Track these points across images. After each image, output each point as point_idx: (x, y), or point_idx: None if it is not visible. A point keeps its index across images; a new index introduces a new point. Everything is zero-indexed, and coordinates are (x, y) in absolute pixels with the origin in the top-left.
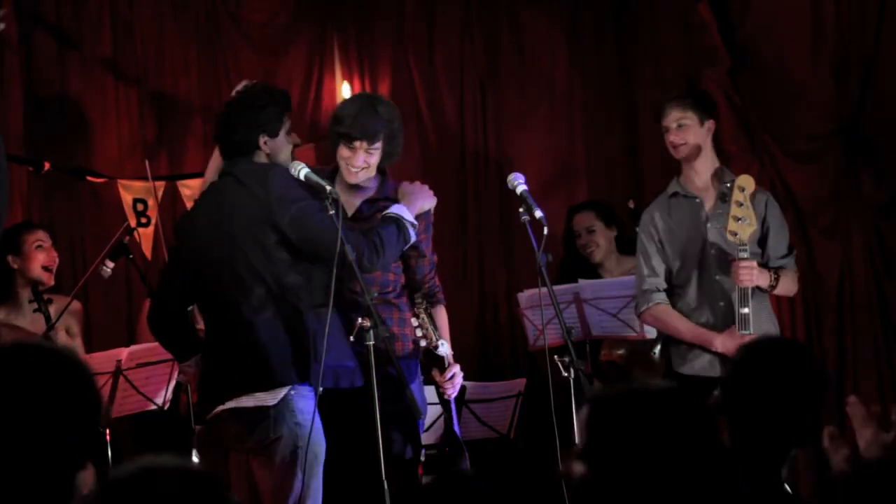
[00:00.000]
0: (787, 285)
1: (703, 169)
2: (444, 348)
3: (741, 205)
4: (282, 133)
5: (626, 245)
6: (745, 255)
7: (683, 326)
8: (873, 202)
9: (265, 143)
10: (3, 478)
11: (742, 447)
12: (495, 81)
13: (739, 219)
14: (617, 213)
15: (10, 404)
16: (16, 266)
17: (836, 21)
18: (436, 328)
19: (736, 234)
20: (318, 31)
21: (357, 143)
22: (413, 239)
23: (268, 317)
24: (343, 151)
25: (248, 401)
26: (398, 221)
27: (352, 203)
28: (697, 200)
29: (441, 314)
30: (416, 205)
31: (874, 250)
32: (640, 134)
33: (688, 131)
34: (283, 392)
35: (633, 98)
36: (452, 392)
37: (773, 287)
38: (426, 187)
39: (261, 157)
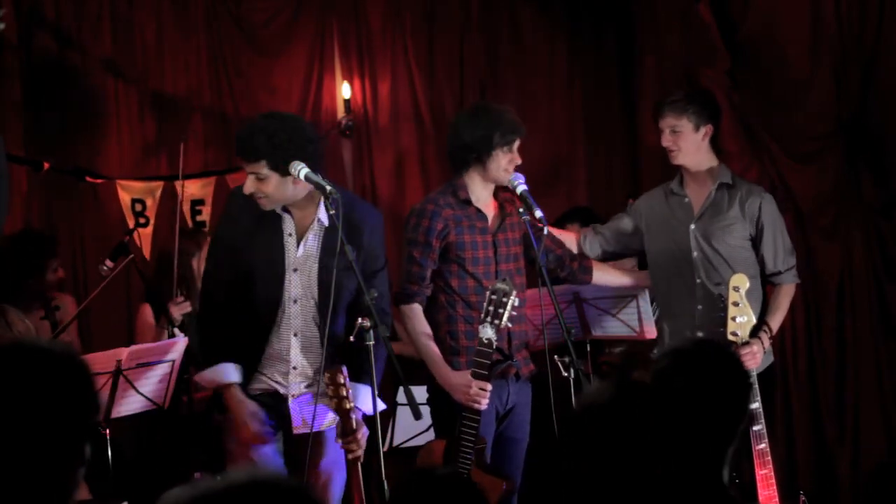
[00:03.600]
0: (780, 313)
1: (697, 170)
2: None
3: (737, 304)
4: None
5: None
6: (745, 341)
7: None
8: (873, 202)
9: None
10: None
11: (676, 453)
12: (495, 81)
13: (737, 318)
14: (599, 212)
15: (7, 402)
16: (30, 282)
17: (836, 21)
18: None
19: (737, 334)
20: (318, 31)
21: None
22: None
23: None
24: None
25: None
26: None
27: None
28: (686, 200)
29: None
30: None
31: (874, 250)
32: (640, 134)
33: (680, 138)
34: None
35: (632, 98)
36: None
37: (772, 338)
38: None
39: None
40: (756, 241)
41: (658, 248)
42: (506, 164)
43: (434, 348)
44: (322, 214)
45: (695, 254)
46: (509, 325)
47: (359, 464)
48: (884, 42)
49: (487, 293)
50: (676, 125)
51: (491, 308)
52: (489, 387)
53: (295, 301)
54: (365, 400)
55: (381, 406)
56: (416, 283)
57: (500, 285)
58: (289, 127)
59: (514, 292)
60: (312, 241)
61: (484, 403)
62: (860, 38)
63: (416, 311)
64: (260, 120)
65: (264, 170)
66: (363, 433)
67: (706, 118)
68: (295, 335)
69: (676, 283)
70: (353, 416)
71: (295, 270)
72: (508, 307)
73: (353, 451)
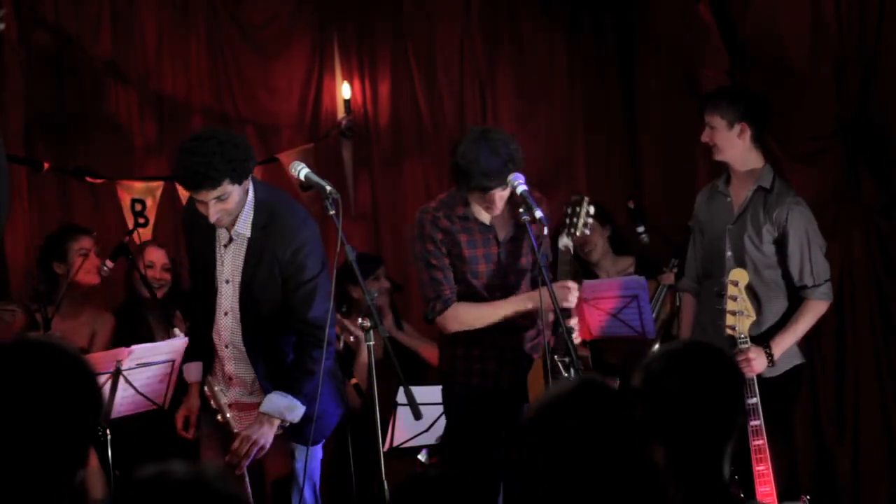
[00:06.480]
0: (795, 329)
1: (738, 168)
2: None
3: (735, 299)
4: None
5: (622, 245)
6: (746, 345)
7: (684, 325)
8: (873, 202)
9: None
10: (1, 474)
11: (676, 454)
12: (495, 82)
13: (735, 313)
14: (609, 211)
15: (10, 399)
16: (60, 272)
17: (836, 21)
18: None
19: (734, 328)
20: (318, 31)
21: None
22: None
23: None
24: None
25: None
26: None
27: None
28: (728, 200)
29: None
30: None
31: (874, 250)
32: (640, 134)
33: (714, 134)
34: None
35: (632, 98)
36: None
37: (772, 363)
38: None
39: None
40: (782, 251)
41: (706, 246)
42: (484, 205)
43: (496, 302)
44: (241, 226)
45: (728, 254)
46: (587, 231)
47: (245, 478)
48: (884, 42)
49: (563, 206)
50: (710, 121)
51: (566, 220)
52: (574, 285)
53: (226, 313)
54: (288, 411)
55: (299, 411)
56: (443, 288)
57: (574, 196)
58: (223, 140)
59: (587, 199)
60: (238, 253)
61: (572, 301)
62: (860, 38)
63: (458, 307)
64: (199, 147)
65: (228, 187)
66: (251, 443)
67: (739, 116)
68: (226, 346)
69: (709, 283)
70: (235, 431)
71: (227, 282)
72: (582, 214)
73: (239, 468)
